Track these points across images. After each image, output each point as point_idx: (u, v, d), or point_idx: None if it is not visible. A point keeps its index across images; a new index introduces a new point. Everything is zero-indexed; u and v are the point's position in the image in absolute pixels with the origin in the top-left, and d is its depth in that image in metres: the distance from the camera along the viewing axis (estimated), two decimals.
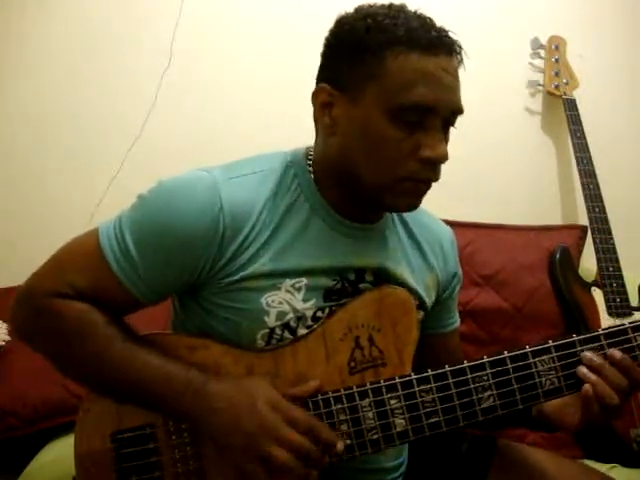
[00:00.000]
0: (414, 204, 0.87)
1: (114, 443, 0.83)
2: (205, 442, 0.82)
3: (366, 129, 0.82)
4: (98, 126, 1.72)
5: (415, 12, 0.84)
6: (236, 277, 0.85)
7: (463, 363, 0.84)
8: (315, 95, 0.87)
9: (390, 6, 0.85)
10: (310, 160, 0.92)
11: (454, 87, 0.83)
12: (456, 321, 1.09)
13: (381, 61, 0.80)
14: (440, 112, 0.82)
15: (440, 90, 0.81)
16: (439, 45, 0.81)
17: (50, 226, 1.65)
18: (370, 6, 0.86)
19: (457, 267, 1.07)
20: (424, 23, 0.82)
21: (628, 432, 1.41)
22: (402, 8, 0.84)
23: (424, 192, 0.86)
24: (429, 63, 0.80)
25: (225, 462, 0.80)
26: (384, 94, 0.80)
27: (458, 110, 0.84)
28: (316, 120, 0.89)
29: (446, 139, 0.85)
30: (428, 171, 0.83)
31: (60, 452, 1.25)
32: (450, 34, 0.84)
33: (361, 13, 0.84)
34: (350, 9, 0.87)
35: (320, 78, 0.88)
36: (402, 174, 0.82)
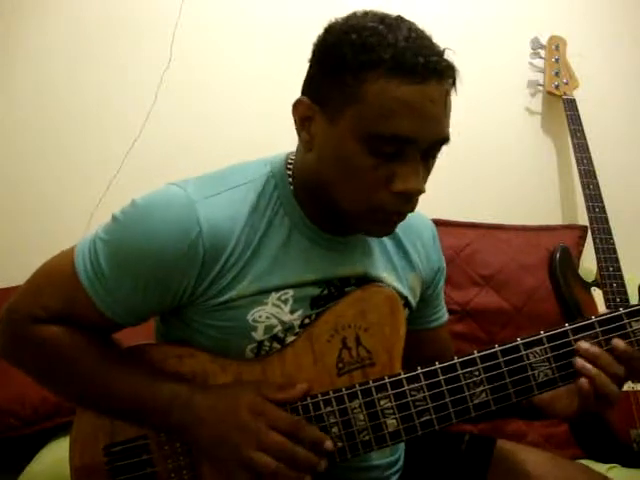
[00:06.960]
0: (387, 232, 0.85)
1: (107, 456, 0.83)
2: (197, 452, 0.82)
3: (339, 153, 0.77)
4: (98, 126, 1.72)
5: (410, 28, 0.76)
6: (220, 299, 0.82)
7: (453, 359, 0.81)
8: (295, 107, 0.81)
9: (383, 19, 0.76)
10: (290, 170, 0.87)
11: (439, 117, 0.76)
12: (442, 316, 1.06)
13: (360, 84, 0.74)
14: (420, 144, 0.75)
15: (422, 122, 0.74)
16: (426, 72, 0.73)
17: (50, 226, 1.65)
18: (362, 16, 0.78)
19: (440, 261, 1.03)
20: (414, 44, 0.74)
21: (628, 432, 1.40)
22: (396, 22, 0.76)
23: (397, 222, 0.83)
24: (412, 92, 0.73)
25: (218, 472, 0.80)
26: (361, 120, 0.74)
27: (442, 141, 0.78)
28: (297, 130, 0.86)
29: (428, 168, 0.80)
30: (401, 204, 0.78)
31: (60, 452, 1.24)
32: (444, 56, 0.76)
33: (349, 25, 0.77)
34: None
35: (303, 88, 0.83)
36: (374, 204, 0.78)
